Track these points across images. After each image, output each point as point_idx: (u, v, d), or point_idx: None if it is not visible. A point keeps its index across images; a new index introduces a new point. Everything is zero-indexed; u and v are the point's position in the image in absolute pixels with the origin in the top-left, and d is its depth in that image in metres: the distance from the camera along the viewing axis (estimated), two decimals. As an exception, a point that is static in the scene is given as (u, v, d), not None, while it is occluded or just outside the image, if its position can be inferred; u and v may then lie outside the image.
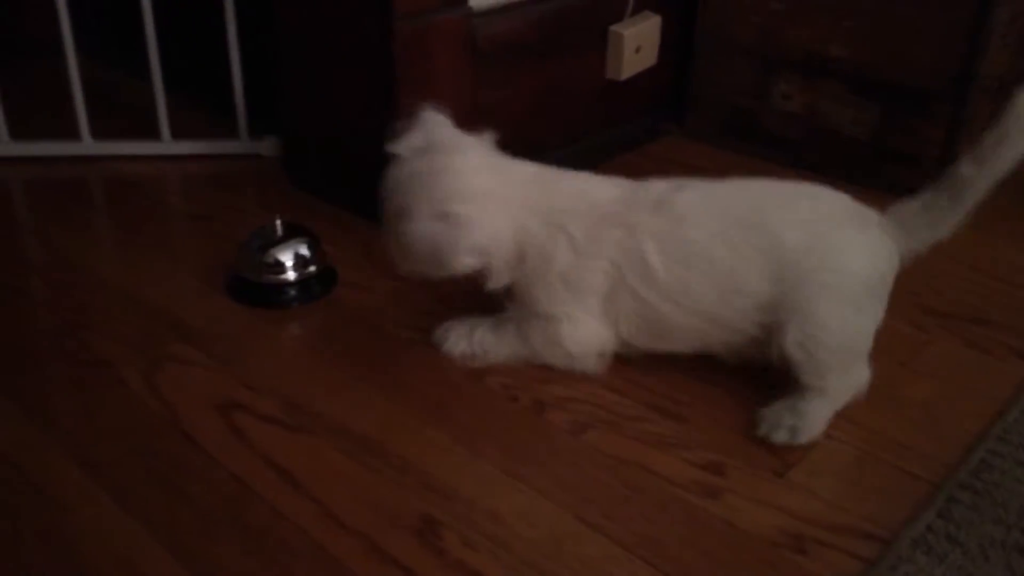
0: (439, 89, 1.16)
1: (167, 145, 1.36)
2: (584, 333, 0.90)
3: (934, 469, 0.82)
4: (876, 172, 1.33)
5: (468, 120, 1.21)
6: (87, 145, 1.34)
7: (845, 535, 0.75)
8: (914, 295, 1.08)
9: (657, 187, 0.90)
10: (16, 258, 1.12)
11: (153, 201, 1.28)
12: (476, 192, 0.86)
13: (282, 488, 0.78)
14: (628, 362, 0.94)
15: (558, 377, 0.93)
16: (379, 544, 0.73)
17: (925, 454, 0.84)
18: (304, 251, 1.05)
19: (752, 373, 0.94)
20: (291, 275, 1.05)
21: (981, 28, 1.19)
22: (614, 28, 1.33)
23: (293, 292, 1.05)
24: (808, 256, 0.84)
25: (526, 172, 0.91)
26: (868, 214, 0.87)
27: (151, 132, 1.35)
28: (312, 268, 1.06)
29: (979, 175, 0.80)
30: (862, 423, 0.87)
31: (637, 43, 1.35)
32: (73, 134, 1.34)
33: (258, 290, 1.05)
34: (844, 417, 0.88)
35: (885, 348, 0.98)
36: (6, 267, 1.10)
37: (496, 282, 0.90)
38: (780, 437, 0.85)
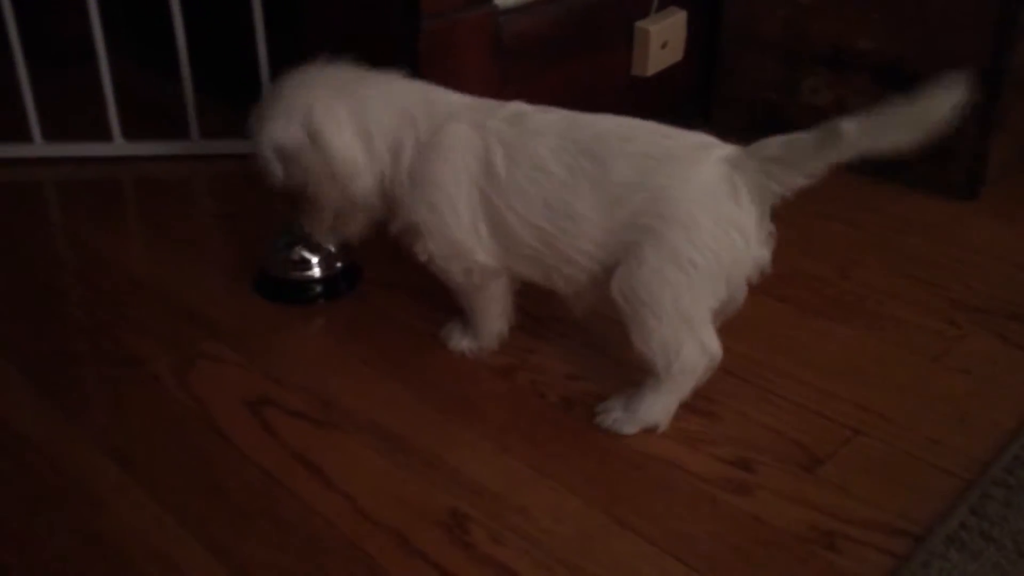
0: (465, 87, 1.16)
1: (197, 145, 1.37)
2: (446, 246, 0.87)
3: (967, 465, 0.81)
4: (905, 167, 1.31)
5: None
6: (118, 145, 1.36)
7: (877, 531, 0.75)
8: (946, 290, 1.07)
9: (522, 105, 0.88)
10: (50, 257, 1.14)
11: (183, 200, 1.29)
12: (312, 82, 0.88)
13: (312, 483, 0.79)
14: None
15: (589, 374, 0.93)
16: (408, 539, 0.74)
17: (958, 450, 0.83)
18: (330, 248, 1.06)
19: (779, 370, 0.94)
20: (317, 272, 1.05)
21: (1011, 20, 1.18)
22: (640, 24, 1.33)
23: (319, 289, 1.06)
24: (634, 194, 0.79)
25: (388, 81, 0.90)
26: (714, 148, 0.81)
27: (181, 132, 1.37)
28: (338, 265, 1.06)
29: (858, 142, 0.75)
30: (893, 418, 0.87)
31: (663, 39, 1.35)
32: (105, 135, 1.35)
33: (285, 287, 1.06)
34: (875, 412, 0.87)
35: (917, 344, 0.97)
36: (40, 266, 1.11)
37: (358, 190, 0.87)
38: (604, 423, 0.85)
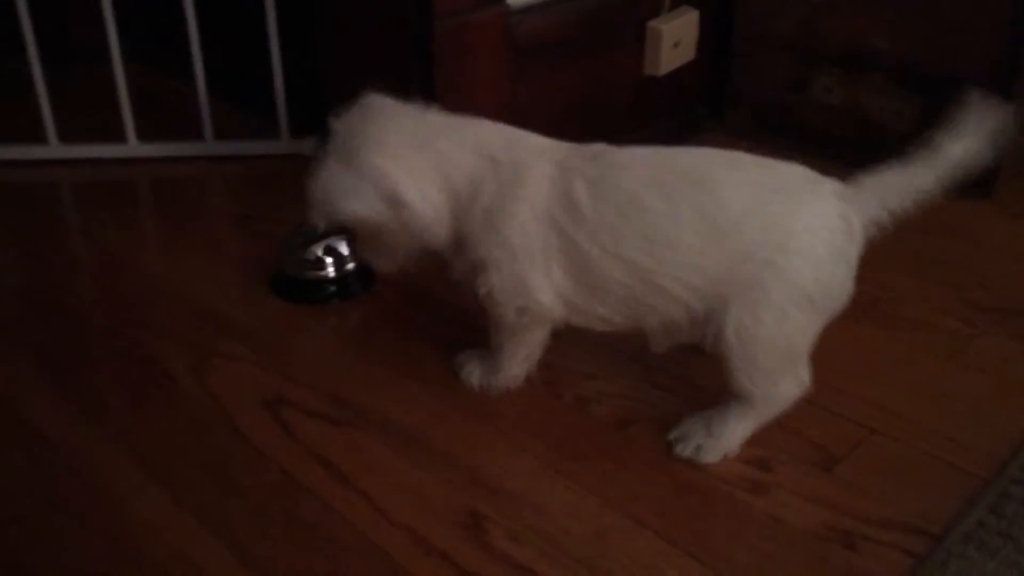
0: (477, 86, 1.17)
1: (211, 146, 1.38)
2: (510, 282, 0.82)
3: (984, 464, 0.81)
4: (920, 165, 1.31)
5: (506, 117, 1.22)
6: (133, 147, 1.37)
7: (894, 530, 0.75)
8: (961, 289, 1.06)
9: (603, 145, 0.84)
10: (66, 258, 1.15)
11: (197, 201, 1.30)
12: (387, 139, 0.82)
13: (330, 482, 0.79)
14: (670, 358, 0.94)
15: (604, 373, 0.93)
16: (426, 538, 0.74)
17: (974, 449, 0.83)
18: (343, 248, 1.06)
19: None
20: (331, 272, 1.06)
21: (1027, 18, 1.17)
22: (652, 23, 1.33)
23: (333, 288, 1.06)
24: (750, 224, 0.76)
25: (465, 126, 0.86)
26: (825, 183, 0.80)
27: (195, 134, 1.38)
28: (351, 265, 1.07)
29: (964, 162, 0.79)
30: (910, 418, 0.87)
31: (675, 38, 1.35)
32: (119, 136, 1.36)
33: (299, 287, 1.06)
34: (891, 412, 0.87)
35: (933, 343, 0.97)
36: (57, 267, 1.12)
37: (433, 237, 0.83)
38: (684, 452, 0.82)
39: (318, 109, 1.33)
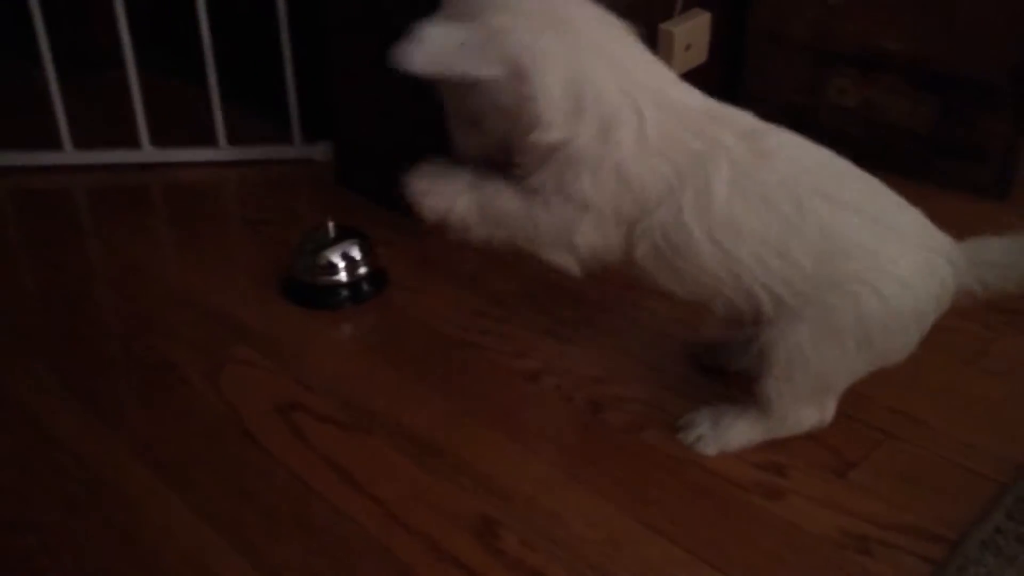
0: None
1: (224, 151, 1.38)
2: (597, 236, 0.78)
3: (1002, 469, 0.80)
4: (935, 167, 1.30)
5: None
6: (147, 152, 1.38)
7: (911, 536, 0.74)
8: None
9: (750, 118, 0.80)
10: (81, 263, 1.15)
11: (211, 206, 1.30)
12: (524, 8, 0.73)
13: (342, 487, 0.79)
14: (682, 362, 0.94)
15: (615, 377, 0.92)
16: (439, 543, 0.74)
17: (992, 453, 0.82)
18: (355, 252, 1.06)
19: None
20: (343, 276, 1.06)
21: (1044, 17, 1.16)
22: (664, 26, 1.32)
23: (345, 293, 1.06)
24: (859, 257, 0.75)
25: (611, 35, 0.78)
26: (940, 239, 0.79)
27: (208, 139, 1.38)
28: (363, 270, 1.07)
29: None
30: (926, 422, 0.86)
31: (687, 41, 1.34)
32: (133, 142, 1.37)
33: (312, 291, 1.06)
34: (907, 416, 0.87)
35: (950, 346, 0.96)
36: (72, 272, 1.13)
37: (542, 133, 0.74)
38: (687, 439, 0.83)
39: (330, 114, 1.34)
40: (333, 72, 1.27)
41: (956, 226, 1.19)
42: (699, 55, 1.38)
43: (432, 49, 0.73)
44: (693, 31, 1.35)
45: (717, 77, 1.45)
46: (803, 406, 0.80)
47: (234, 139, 1.38)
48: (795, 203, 0.75)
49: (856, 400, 0.89)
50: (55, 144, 1.36)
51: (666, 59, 1.34)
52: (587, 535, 0.74)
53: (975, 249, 0.78)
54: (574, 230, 0.78)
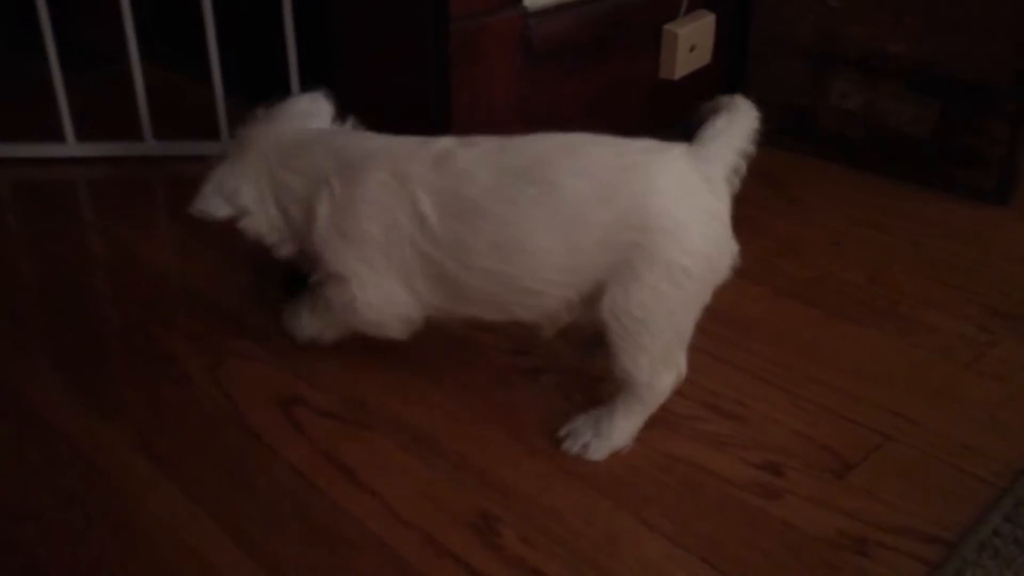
0: (493, 89, 1.17)
1: (227, 145, 1.38)
2: (376, 294, 0.84)
3: (999, 472, 0.81)
4: (937, 171, 1.30)
5: (521, 119, 1.22)
6: (150, 146, 1.38)
7: (908, 538, 0.74)
8: (978, 296, 1.06)
9: (443, 143, 0.83)
10: (82, 256, 1.16)
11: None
12: (234, 147, 0.91)
13: (342, 482, 0.79)
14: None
15: (612, 376, 0.92)
16: (437, 539, 0.74)
17: (990, 456, 0.82)
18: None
19: (809, 375, 0.93)
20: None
21: (1047, 23, 1.17)
22: (668, 27, 1.32)
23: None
24: (600, 210, 0.75)
25: (298, 132, 0.90)
26: (671, 148, 0.78)
27: (211, 133, 1.38)
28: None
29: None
30: (925, 424, 0.86)
31: (691, 42, 1.35)
32: (136, 135, 1.37)
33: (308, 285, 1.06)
34: (906, 418, 0.87)
35: (949, 350, 0.97)
36: (74, 264, 1.13)
37: (278, 248, 0.91)
38: (571, 449, 0.82)
39: (334, 109, 1.33)
40: (338, 67, 1.27)
41: (957, 231, 1.20)
42: (703, 56, 1.39)
43: (200, 195, 0.91)
44: (697, 32, 1.35)
45: (720, 79, 1.46)
46: (661, 367, 0.80)
47: (237, 133, 1.38)
48: (508, 201, 0.77)
49: (855, 402, 0.89)
50: (58, 136, 1.36)
51: (669, 60, 1.34)
52: (585, 532, 0.75)
53: (703, 140, 0.79)
54: (351, 302, 0.85)
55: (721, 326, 1.00)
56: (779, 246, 1.17)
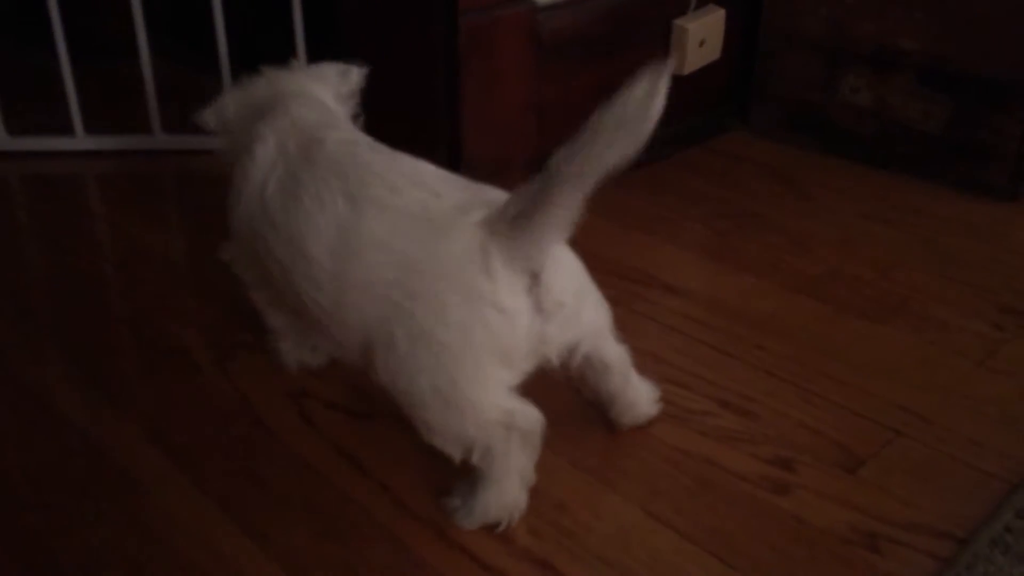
0: (502, 83, 1.17)
1: (235, 139, 1.38)
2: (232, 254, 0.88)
3: (1011, 468, 0.80)
4: (948, 167, 1.29)
5: (530, 113, 1.22)
6: (158, 139, 1.38)
7: (920, 533, 0.74)
8: (990, 292, 1.05)
9: (350, 134, 0.82)
10: (93, 248, 1.16)
11: (222, 193, 1.30)
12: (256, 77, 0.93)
13: (352, 474, 0.79)
14: (689, 355, 0.94)
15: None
16: (447, 531, 0.74)
17: (1002, 453, 0.82)
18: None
19: (819, 370, 0.93)
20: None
21: (1060, 19, 1.16)
22: (678, 22, 1.32)
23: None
24: (381, 256, 0.70)
25: (298, 89, 0.90)
26: (473, 211, 0.69)
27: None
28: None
29: (567, 167, 0.64)
30: (936, 421, 0.86)
31: (701, 37, 1.34)
32: (145, 129, 1.37)
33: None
34: (917, 414, 0.86)
35: (961, 346, 0.96)
36: (84, 257, 1.13)
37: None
38: (446, 510, 0.75)
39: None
40: (347, 60, 1.27)
41: (969, 227, 1.20)
42: (713, 51, 1.38)
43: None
44: (707, 27, 1.35)
45: (730, 74, 1.45)
46: (463, 434, 0.71)
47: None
48: (316, 199, 0.74)
49: (866, 398, 0.89)
50: (67, 129, 1.36)
51: (679, 55, 1.34)
52: (594, 526, 0.75)
53: (504, 209, 0.68)
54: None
55: (730, 321, 1.00)
56: (789, 242, 1.16)
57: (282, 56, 1.37)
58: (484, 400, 0.70)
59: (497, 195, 0.72)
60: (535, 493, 0.77)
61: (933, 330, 0.99)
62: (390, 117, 1.26)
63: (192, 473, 0.80)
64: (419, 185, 0.73)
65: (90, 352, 0.95)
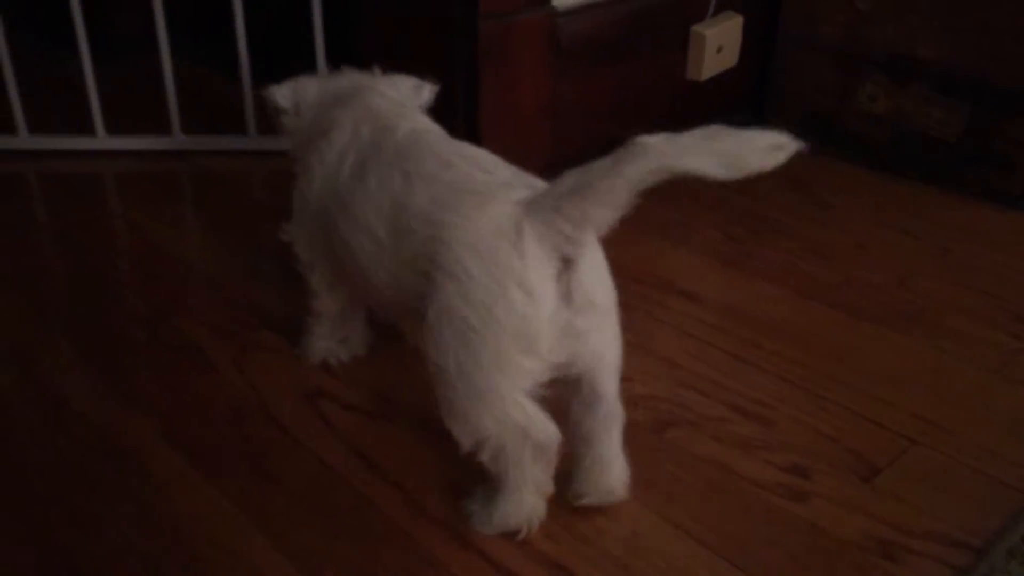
0: (521, 87, 1.17)
1: (254, 141, 1.39)
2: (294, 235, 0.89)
3: (1028, 479, 0.80)
4: (964, 176, 1.29)
5: (547, 117, 1.22)
6: (178, 140, 1.39)
7: (936, 542, 0.74)
8: (1006, 301, 1.05)
9: (417, 123, 0.84)
10: (111, 247, 1.17)
11: (240, 194, 1.31)
12: (312, 79, 0.94)
13: (368, 475, 0.80)
14: (706, 361, 0.94)
15: (638, 375, 0.92)
16: (463, 533, 0.74)
17: (1017, 463, 0.82)
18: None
19: (835, 377, 0.93)
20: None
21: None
22: (696, 28, 1.32)
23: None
24: (422, 227, 0.70)
25: (349, 82, 0.92)
26: (518, 188, 0.69)
27: (239, 128, 1.39)
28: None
29: (660, 158, 0.63)
30: (952, 430, 0.85)
31: (718, 43, 1.34)
32: (165, 129, 1.38)
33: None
34: (933, 423, 0.86)
35: (977, 355, 0.96)
36: (102, 256, 1.14)
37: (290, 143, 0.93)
38: (466, 513, 0.75)
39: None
40: (367, 65, 1.28)
41: (986, 236, 1.19)
42: (730, 58, 1.38)
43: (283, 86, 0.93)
44: (725, 33, 1.35)
45: (747, 80, 1.45)
46: (479, 426, 0.69)
47: (265, 129, 1.39)
48: (378, 180, 0.77)
49: (882, 406, 0.88)
50: (87, 129, 1.37)
51: (696, 61, 1.34)
52: (610, 530, 0.75)
53: (553, 186, 0.67)
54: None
55: (745, 328, 1.00)
56: (804, 249, 1.16)
57: (303, 58, 1.39)
58: (507, 391, 0.68)
59: (527, 178, 0.72)
60: (552, 497, 0.77)
61: (949, 338, 0.99)
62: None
63: (207, 470, 0.80)
64: (472, 162, 0.74)
65: (106, 349, 0.96)
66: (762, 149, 0.63)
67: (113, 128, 1.39)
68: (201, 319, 1.01)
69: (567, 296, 0.68)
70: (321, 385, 0.91)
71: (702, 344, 0.98)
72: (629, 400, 0.88)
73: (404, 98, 0.90)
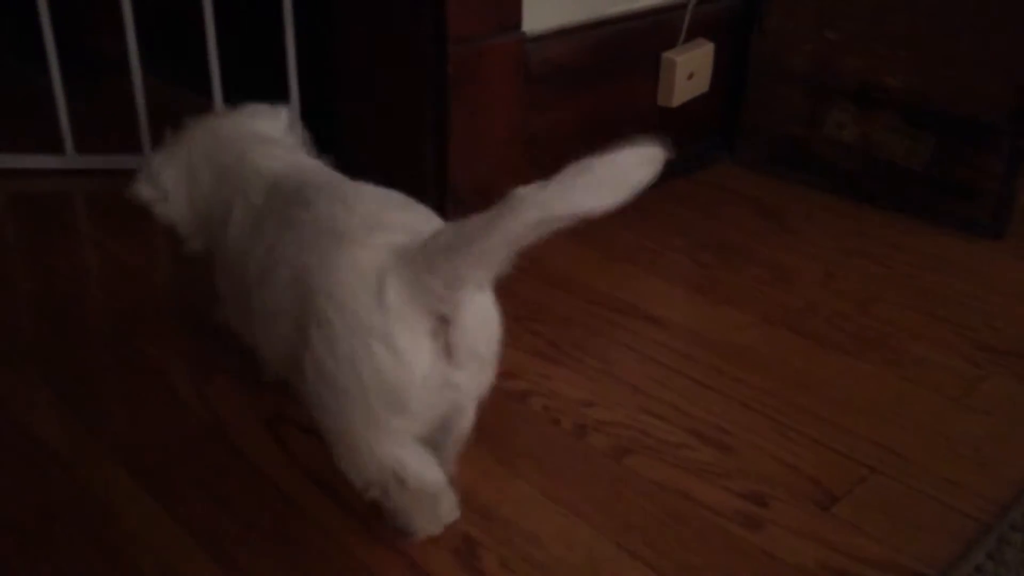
0: (491, 113, 1.17)
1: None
2: (228, 313, 0.88)
3: (985, 508, 0.80)
4: (930, 204, 1.31)
5: (519, 143, 1.22)
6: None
7: (891, 571, 0.74)
8: (969, 330, 1.06)
9: (298, 165, 0.83)
10: (76, 268, 1.16)
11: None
12: (176, 136, 0.89)
13: (325, 502, 0.79)
14: (669, 388, 0.94)
15: (600, 401, 0.92)
16: (419, 563, 0.73)
17: (976, 492, 0.82)
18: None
19: (796, 405, 0.93)
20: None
21: (1043, 60, 1.17)
22: (667, 55, 1.33)
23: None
24: (291, 272, 0.68)
25: (235, 132, 0.88)
26: (386, 231, 0.65)
27: (209, 148, 1.39)
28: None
29: (537, 208, 0.60)
30: (911, 458, 0.86)
31: (690, 70, 1.36)
32: (135, 147, 1.38)
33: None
34: (892, 451, 0.86)
35: (937, 383, 0.96)
36: (66, 275, 1.13)
37: (188, 242, 0.90)
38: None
39: (333, 128, 1.34)
40: (337, 87, 1.28)
41: (951, 264, 1.20)
42: (701, 84, 1.40)
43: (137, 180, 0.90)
44: (696, 60, 1.36)
45: (718, 107, 1.47)
46: (362, 474, 0.69)
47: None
48: (280, 221, 0.74)
49: (842, 433, 0.89)
50: (57, 148, 1.37)
51: (668, 87, 1.35)
52: (566, 558, 0.74)
53: (430, 239, 0.63)
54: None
55: (710, 353, 1.00)
56: (770, 275, 1.17)
57: (274, 76, 1.39)
58: (380, 447, 0.66)
59: (406, 215, 0.69)
60: (507, 525, 0.77)
61: (911, 366, 0.99)
62: (377, 148, 1.26)
63: (163, 497, 0.79)
64: (336, 200, 0.69)
65: (68, 372, 0.95)
66: (635, 165, 0.62)
67: (83, 147, 1.38)
68: (164, 342, 1.00)
69: (447, 351, 0.64)
70: (282, 410, 0.90)
71: (666, 370, 0.98)
72: (589, 425, 0.89)
73: (280, 136, 0.90)
